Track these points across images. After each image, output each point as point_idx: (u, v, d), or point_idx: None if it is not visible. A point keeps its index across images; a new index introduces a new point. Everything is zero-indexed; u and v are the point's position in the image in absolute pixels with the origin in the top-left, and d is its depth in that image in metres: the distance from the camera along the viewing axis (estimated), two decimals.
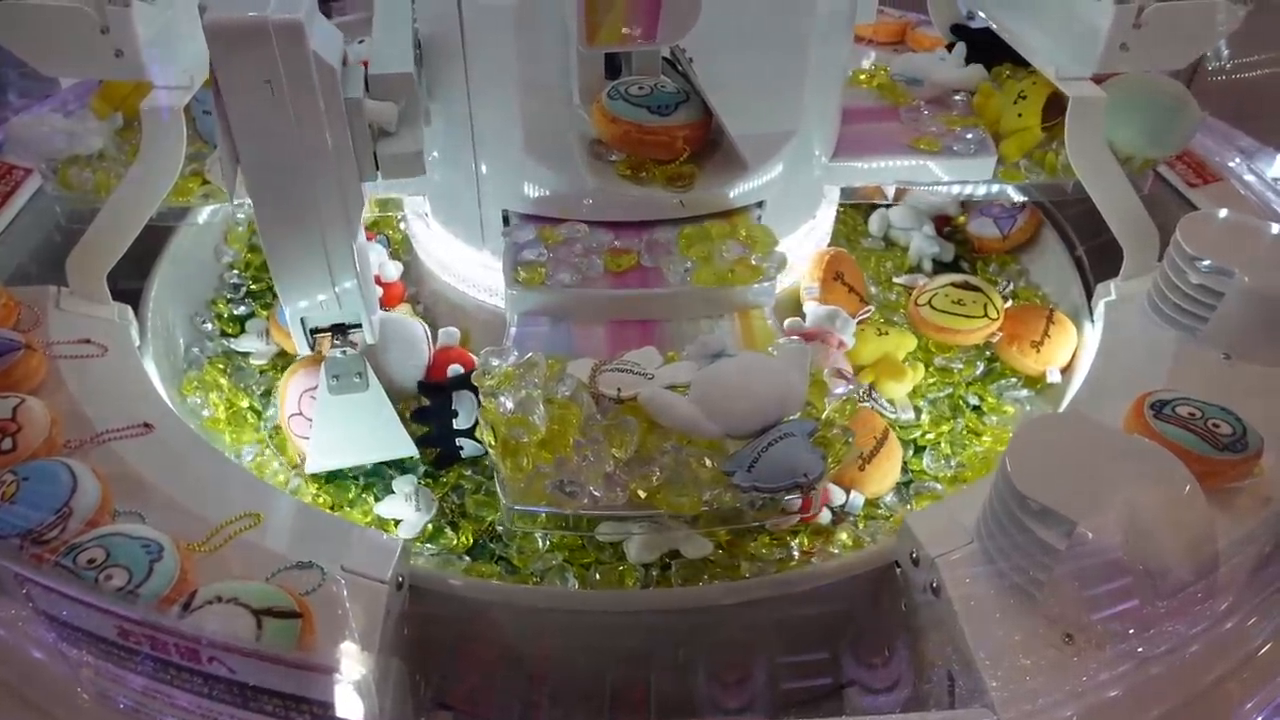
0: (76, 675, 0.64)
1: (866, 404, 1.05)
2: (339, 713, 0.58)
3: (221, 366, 1.14)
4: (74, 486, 0.74)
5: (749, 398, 0.76)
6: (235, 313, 1.22)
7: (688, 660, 0.79)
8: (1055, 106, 1.07)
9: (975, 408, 1.10)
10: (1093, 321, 1.10)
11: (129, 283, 1.12)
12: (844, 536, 0.92)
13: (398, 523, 0.96)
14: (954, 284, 1.16)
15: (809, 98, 1.00)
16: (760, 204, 1.02)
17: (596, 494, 0.74)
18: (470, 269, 1.10)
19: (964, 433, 1.07)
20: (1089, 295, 1.15)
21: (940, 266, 1.32)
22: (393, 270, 1.20)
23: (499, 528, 0.94)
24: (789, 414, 0.77)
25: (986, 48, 1.21)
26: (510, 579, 0.89)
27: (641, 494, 0.74)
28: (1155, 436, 0.80)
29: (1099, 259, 1.20)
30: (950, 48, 1.28)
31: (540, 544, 0.91)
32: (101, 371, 0.95)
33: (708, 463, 0.74)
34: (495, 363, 0.82)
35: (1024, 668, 0.68)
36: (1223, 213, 1.04)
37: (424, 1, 0.93)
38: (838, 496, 0.95)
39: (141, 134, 0.95)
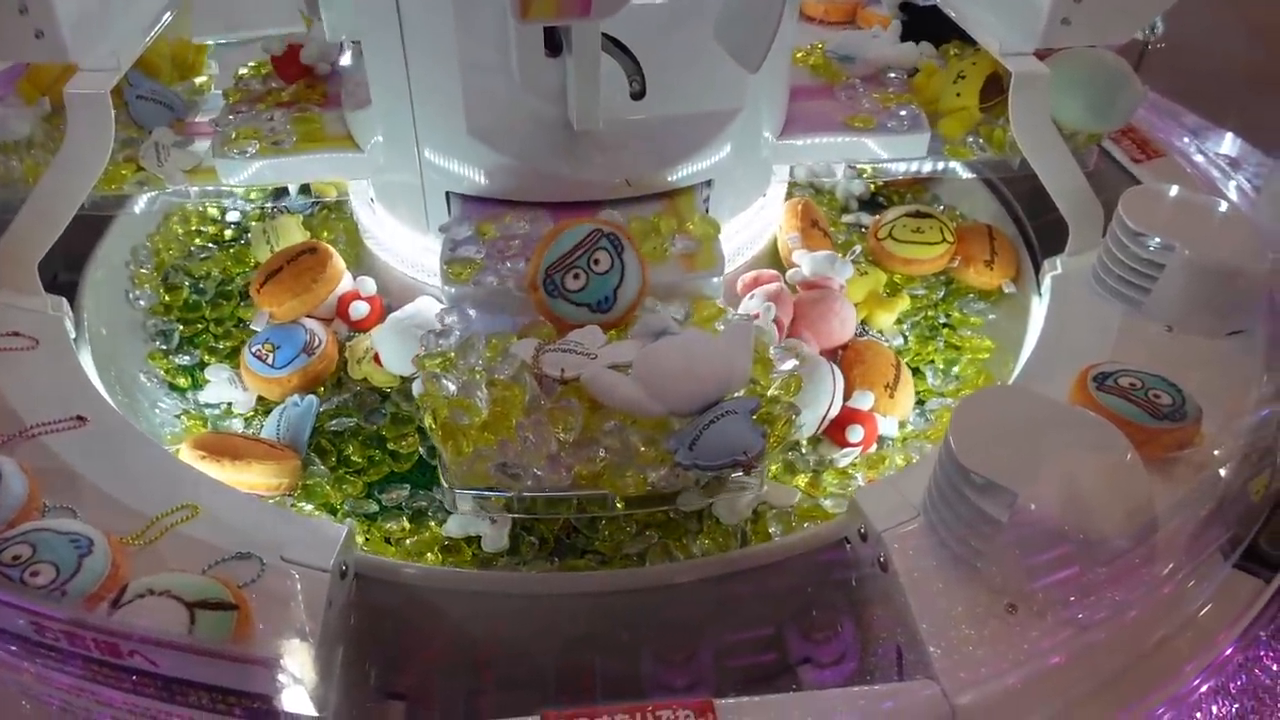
0: (11, 678, 0.62)
1: (864, 337, 1.14)
2: (277, 704, 0.57)
3: (202, 423, 1.04)
4: None
5: (691, 377, 0.76)
6: (178, 364, 1.11)
7: (635, 641, 0.79)
8: (995, 86, 1.08)
9: (946, 325, 1.18)
10: (1040, 296, 1.11)
11: (67, 275, 1.09)
12: (899, 460, 1.00)
13: (471, 540, 0.90)
14: (907, 214, 1.22)
15: (754, 74, 0.99)
16: (709, 183, 1.01)
17: (539, 475, 0.73)
18: (416, 252, 1.08)
19: (946, 349, 1.16)
20: (1037, 270, 1.16)
21: (862, 204, 1.37)
22: (370, 285, 1.12)
23: (574, 520, 0.90)
24: (732, 391, 0.77)
25: (934, 25, 1.21)
26: (602, 568, 0.88)
27: (585, 475, 0.73)
28: (1098, 408, 0.80)
29: (1048, 235, 1.21)
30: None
31: (629, 528, 0.89)
32: (32, 364, 0.92)
33: (650, 443, 0.73)
34: (441, 343, 0.80)
35: (968, 637, 0.69)
36: (1164, 187, 1.05)
37: None
38: (885, 427, 1.02)
39: (66, 120, 0.92)
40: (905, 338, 1.17)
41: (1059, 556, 0.69)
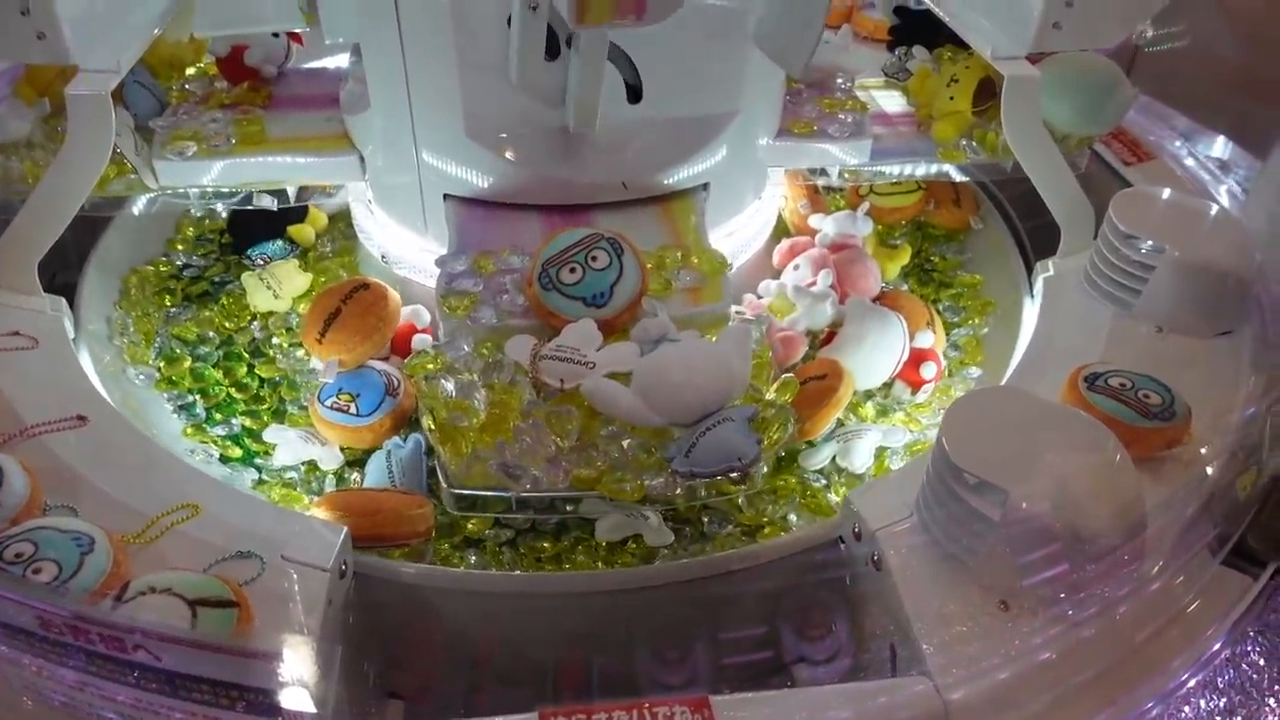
0: (14, 674, 0.62)
1: (887, 288, 1.20)
2: (278, 699, 0.58)
3: (284, 486, 0.97)
4: None
5: (692, 388, 0.76)
6: (218, 434, 1.03)
7: (631, 639, 0.79)
8: (988, 90, 1.09)
9: (932, 269, 1.28)
10: (1032, 297, 1.13)
11: (67, 276, 1.09)
12: (959, 385, 1.11)
13: (627, 541, 0.88)
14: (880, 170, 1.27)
15: (749, 79, 1.00)
16: (705, 186, 1.02)
17: (538, 476, 0.73)
18: (414, 254, 1.09)
19: (944, 287, 1.25)
20: (1029, 272, 1.17)
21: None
22: (425, 315, 1.08)
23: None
24: (732, 400, 0.78)
25: (927, 29, 1.23)
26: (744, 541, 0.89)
27: (583, 478, 0.74)
28: (1088, 408, 0.81)
29: (1041, 238, 1.22)
30: (892, 31, 1.29)
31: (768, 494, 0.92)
32: (32, 364, 0.92)
33: (648, 449, 0.74)
34: (450, 354, 0.81)
35: (960, 634, 0.69)
36: (1155, 190, 1.06)
37: None
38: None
39: (67, 121, 0.92)
40: (907, 284, 1.25)
41: (1050, 554, 0.70)
